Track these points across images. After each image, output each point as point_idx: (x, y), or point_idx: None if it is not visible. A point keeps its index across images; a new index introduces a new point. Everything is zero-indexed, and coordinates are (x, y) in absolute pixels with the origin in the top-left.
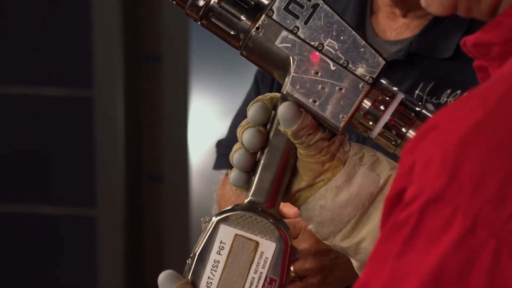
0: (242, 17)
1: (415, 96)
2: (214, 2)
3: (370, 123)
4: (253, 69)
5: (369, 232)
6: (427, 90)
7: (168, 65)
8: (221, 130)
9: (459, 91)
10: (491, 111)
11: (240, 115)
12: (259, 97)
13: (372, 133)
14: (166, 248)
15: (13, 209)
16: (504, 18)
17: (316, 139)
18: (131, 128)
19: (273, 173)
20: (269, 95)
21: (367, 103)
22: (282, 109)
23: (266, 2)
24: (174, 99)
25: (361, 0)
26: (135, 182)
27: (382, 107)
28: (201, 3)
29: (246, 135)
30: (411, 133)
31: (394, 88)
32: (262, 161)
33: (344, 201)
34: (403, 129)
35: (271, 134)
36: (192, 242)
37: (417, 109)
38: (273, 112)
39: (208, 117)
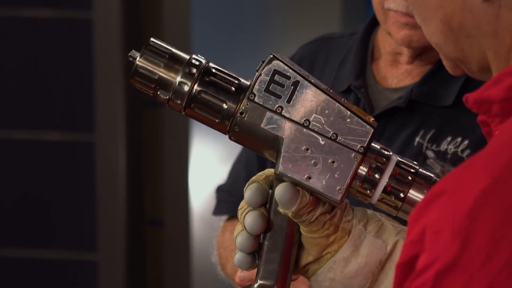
0: (224, 105)
1: (415, 143)
2: (196, 90)
3: (368, 191)
4: None
5: None
6: (428, 137)
7: (169, 110)
8: (222, 175)
9: (459, 139)
10: (496, 179)
11: (240, 160)
12: (254, 177)
13: (372, 200)
14: None
15: (15, 254)
16: (503, 76)
17: (317, 215)
18: (132, 173)
19: (279, 254)
20: (264, 174)
21: (362, 172)
22: (279, 192)
23: (248, 83)
24: (176, 144)
25: (362, 47)
26: (137, 226)
27: (377, 174)
28: (177, 101)
29: (248, 220)
30: (411, 194)
31: (387, 153)
32: (266, 243)
33: (353, 272)
34: (402, 193)
35: (271, 214)
36: (194, 286)
37: (412, 170)
38: (270, 191)
39: (209, 162)
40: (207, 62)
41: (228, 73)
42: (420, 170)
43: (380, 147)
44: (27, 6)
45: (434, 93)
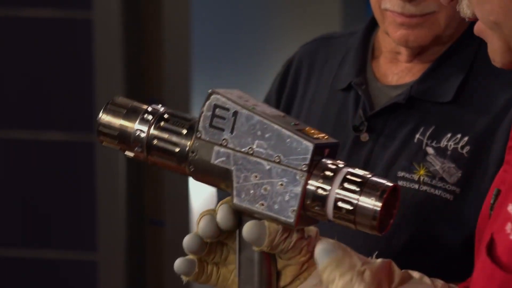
0: (177, 148)
1: (415, 140)
2: (151, 136)
3: (320, 208)
4: None
5: None
6: (428, 134)
7: (169, 107)
8: None
9: (459, 135)
10: None
11: None
12: (208, 210)
13: (328, 216)
14: None
15: (15, 254)
16: None
17: (294, 241)
18: (132, 173)
19: (253, 286)
20: (222, 202)
21: (312, 189)
22: (244, 233)
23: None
24: None
25: (362, 46)
26: (137, 226)
27: (326, 189)
28: (138, 150)
29: (201, 224)
30: (363, 203)
31: (335, 167)
32: (240, 276)
33: None
34: (351, 205)
35: (240, 247)
36: (194, 286)
37: (360, 180)
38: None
39: None
40: (165, 110)
41: (182, 116)
42: (371, 178)
43: (331, 162)
44: (27, 6)
45: (434, 90)
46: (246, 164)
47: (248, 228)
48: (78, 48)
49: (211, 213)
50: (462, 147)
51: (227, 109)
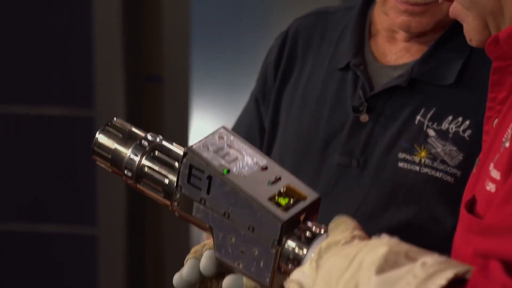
0: (162, 194)
1: (416, 121)
2: (141, 172)
3: (293, 268)
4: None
5: None
6: (429, 116)
7: (169, 85)
8: None
9: (460, 118)
10: None
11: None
12: (198, 247)
13: None
14: (168, 266)
15: (15, 228)
16: None
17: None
18: None
19: None
20: (209, 247)
21: (287, 250)
22: (224, 287)
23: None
24: (175, 118)
25: (359, 24)
26: (137, 201)
27: (302, 252)
28: (129, 178)
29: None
30: None
31: (312, 231)
32: None
33: None
34: None
35: None
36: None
37: None
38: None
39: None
40: (158, 144)
41: (171, 156)
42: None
43: (310, 226)
44: None
45: (435, 72)
46: (223, 226)
47: (227, 283)
48: (78, 21)
49: (197, 256)
50: (464, 131)
51: (202, 171)
